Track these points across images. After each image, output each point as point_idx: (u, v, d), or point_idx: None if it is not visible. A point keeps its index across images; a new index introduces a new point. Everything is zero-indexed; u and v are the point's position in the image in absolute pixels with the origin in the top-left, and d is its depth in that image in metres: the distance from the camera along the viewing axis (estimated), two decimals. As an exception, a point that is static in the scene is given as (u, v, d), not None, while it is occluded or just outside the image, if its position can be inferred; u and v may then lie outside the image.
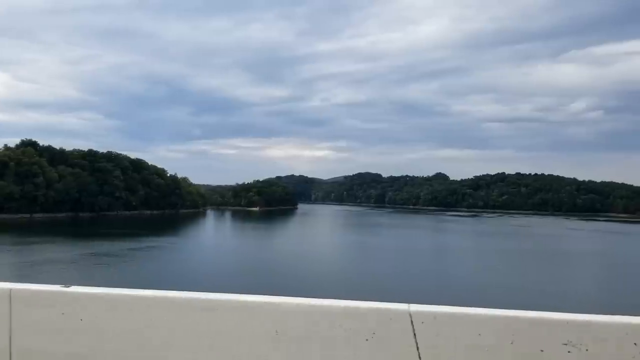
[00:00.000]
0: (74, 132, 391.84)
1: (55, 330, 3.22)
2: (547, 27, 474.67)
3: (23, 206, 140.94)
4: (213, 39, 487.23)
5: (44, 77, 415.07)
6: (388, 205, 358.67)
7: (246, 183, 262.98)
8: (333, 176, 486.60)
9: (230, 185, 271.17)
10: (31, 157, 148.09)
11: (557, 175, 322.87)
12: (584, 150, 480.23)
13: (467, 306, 2.75)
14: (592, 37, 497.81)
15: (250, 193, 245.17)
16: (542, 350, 2.64)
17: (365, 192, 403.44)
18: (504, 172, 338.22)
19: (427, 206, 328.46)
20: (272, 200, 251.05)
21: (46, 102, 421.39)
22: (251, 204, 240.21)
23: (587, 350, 2.56)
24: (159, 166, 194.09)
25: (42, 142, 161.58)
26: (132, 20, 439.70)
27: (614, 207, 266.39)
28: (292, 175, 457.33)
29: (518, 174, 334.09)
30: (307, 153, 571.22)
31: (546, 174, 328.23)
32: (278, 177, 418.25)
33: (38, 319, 3.25)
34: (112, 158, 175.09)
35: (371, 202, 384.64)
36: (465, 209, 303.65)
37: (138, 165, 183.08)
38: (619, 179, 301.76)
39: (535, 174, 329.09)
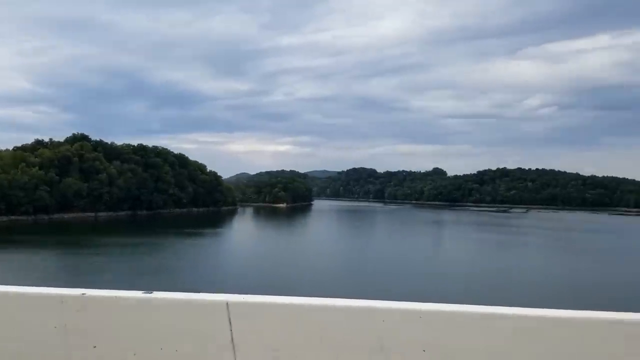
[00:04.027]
0: (27, 126, 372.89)
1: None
2: (505, 24, 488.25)
3: (88, 204, 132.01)
4: (174, 31, 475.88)
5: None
6: (388, 200, 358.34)
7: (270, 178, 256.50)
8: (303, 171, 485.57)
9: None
10: (90, 152, 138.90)
11: (559, 170, 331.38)
12: (538, 146, 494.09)
13: None
14: (548, 35, 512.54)
15: (276, 189, 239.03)
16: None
17: (362, 187, 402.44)
18: (505, 167, 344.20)
19: (432, 201, 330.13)
20: (295, 197, 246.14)
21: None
22: (277, 200, 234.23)
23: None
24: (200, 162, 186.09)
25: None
26: (89, 11, 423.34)
27: (625, 201, 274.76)
28: (283, 171, 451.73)
29: (520, 169, 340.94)
30: (269, 148, 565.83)
31: (547, 168, 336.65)
32: (268, 172, 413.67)
33: None
34: (158, 153, 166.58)
35: (370, 197, 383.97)
36: (472, 204, 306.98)
37: (182, 161, 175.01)
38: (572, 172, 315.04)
39: (537, 169, 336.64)
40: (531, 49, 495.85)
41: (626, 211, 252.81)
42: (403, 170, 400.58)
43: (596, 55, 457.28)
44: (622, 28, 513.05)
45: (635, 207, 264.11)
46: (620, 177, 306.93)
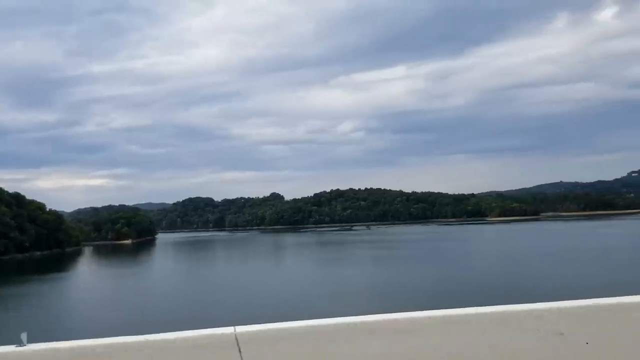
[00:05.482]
0: None
1: None
2: (317, 54, 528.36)
3: None
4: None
5: None
6: (230, 228, 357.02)
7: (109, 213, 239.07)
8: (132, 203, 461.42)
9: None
10: None
11: (385, 189, 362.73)
12: (359, 167, 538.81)
13: None
14: (355, 65, 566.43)
15: (118, 225, 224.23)
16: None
17: (201, 217, 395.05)
18: (338, 189, 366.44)
19: (274, 225, 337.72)
20: (140, 231, 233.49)
21: None
22: (121, 236, 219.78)
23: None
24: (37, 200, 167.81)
25: None
26: None
27: (443, 213, 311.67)
28: (111, 206, 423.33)
29: (351, 189, 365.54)
30: (81, 182, 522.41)
31: (374, 187, 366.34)
32: (94, 208, 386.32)
33: None
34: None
35: (210, 226, 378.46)
36: (313, 225, 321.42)
37: (19, 200, 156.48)
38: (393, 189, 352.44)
39: (366, 188, 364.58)
40: (342, 78, 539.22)
41: (447, 221, 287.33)
42: (241, 197, 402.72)
43: (396, 84, 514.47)
44: (416, 60, 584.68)
45: (452, 217, 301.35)
46: (436, 192, 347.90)
